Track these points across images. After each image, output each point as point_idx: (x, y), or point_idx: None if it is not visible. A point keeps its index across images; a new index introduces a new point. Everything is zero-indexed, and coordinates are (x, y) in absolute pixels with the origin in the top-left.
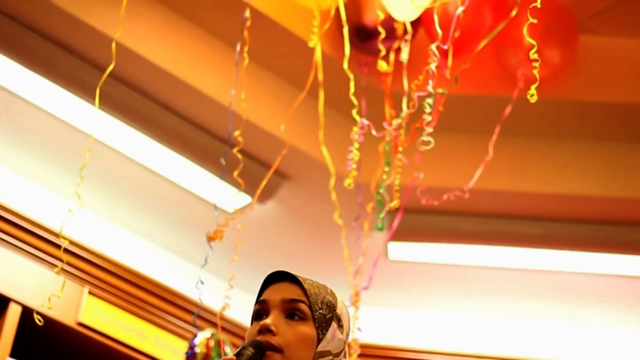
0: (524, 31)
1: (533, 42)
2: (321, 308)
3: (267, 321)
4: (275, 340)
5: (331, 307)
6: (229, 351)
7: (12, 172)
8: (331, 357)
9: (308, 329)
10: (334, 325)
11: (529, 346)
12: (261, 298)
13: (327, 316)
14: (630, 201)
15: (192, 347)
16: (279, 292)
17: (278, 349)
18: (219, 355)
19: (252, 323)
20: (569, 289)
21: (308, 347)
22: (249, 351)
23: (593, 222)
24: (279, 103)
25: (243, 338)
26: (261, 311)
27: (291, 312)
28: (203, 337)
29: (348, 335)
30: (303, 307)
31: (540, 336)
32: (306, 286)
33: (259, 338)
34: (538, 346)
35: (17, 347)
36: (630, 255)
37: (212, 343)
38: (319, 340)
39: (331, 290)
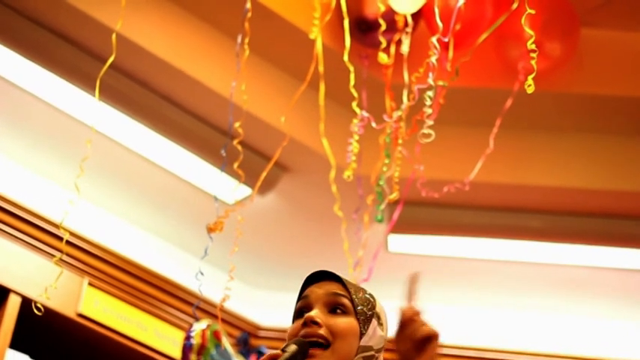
0: (523, 21)
1: (530, 32)
2: (362, 304)
3: (312, 313)
4: (321, 331)
5: (371, 304)
6: (226, 341)
7: (12, 163)
8: (373, 352)
9: (352, 322)
10: (374, 321)
11: (529, 339)
12: (303, 294)
13: (368, 313)
14: (632, 194)
15: (188, 338)
16: (321, 288)
17: (324, 344)
18: (216, 346)
19: (293, 321)
20: (569, 282)
21: (353, 339)
22: (293, 348)
23: (594, 215)
24: (279, 95)
25: (243, 330)
26: (303, 308)
27: (334, 306)
28: (199, 328)
29: (387, 334)
30: (346, 301)
31: (541, 329)
32: (346, 283)
33: (306, 330)
34: (539, 340)
35: (17, 338)
36: (632, 248)
37: (208, 334)
38: (361, 335)
39: (369, 292)
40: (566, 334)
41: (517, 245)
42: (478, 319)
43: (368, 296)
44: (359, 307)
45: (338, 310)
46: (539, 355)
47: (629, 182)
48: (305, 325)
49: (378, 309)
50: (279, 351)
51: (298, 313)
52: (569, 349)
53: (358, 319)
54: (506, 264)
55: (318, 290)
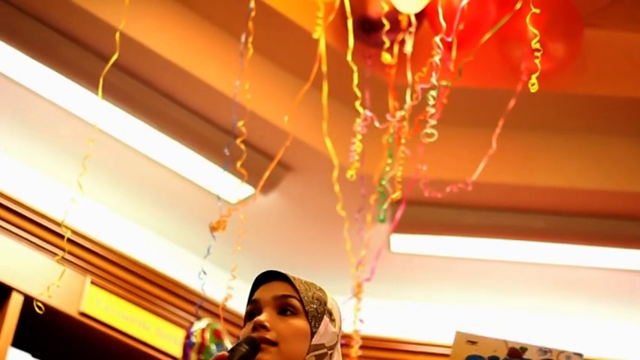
0: (527, 20)
1: (535, 31)
2: (312, 303)
3: (261, 318)
4: (270, 334)
5: (322, 301)
6: (227, 340)
7: (15, 161)
8: (325, 350)
9: (301, 323)
10: (326, 319)
11: (531, 339)
12: (253, 298)
13: (319, 310)
14: (635, 195)
15: (188, 337)
16: (270, 291)
17: (273, 343)
18: (217, 345)
19: (244, 324)
20: (572, 283)
21: (302, 340)
22: (243, 347)
23: (597, 216)
24: (283, 95)
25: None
26: (253, 311)
27: (284, 308)
28: (199, 327)
29: (340, 329)
30: (295, 302)
31: (542, 329)
32: (295, 282)
33: (254, 335)
34: (540, 340)
35: (19, 336)
36: (634, 249)
37: (208, 334)
38: (312, 334)
39: (320, 287)
40: (570, 335)
41: (520, 246)
42: (479, 319)
43: (319, 293)
44: (309, 306)
45: (288, 312)
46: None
47: (633, 183)
48: (254, 329)
49: (329, 305)
50: (225, 352)
51: (248, 317)
52: (575, 350)
53: (308, 319)
54: (509, 264)
55: (267, 293)
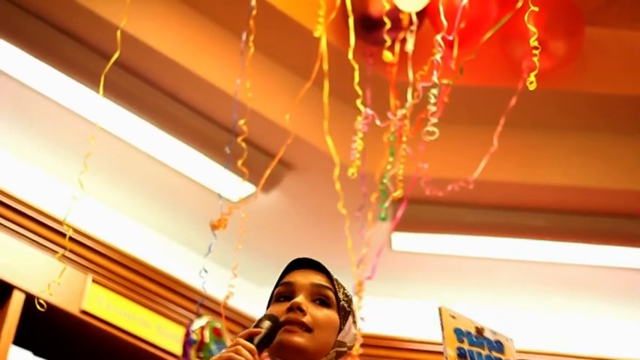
0: (526, 18)
1: (534, 29)
2: (343, 299)
3: (299, 299)
4: (305, 318)
5: (350, 301)
6: (227, 337)
7: (17, 159)
8: (346, 349)
9: (334, 315)
10: (351, 319)
11: (530, 337)
12: (286, 280)
13: (347, 309)
14: (636, 193)
15: (188, 335)
16: (307, 277)
17: (308, 328)
18: (216, 342)
19: (270, 305)
20: (572, 281)
21: (333, 332)
22: (267, 323)
23: (597, 214)
24: (284, 93)
25: (245, 327)
26: (285, 293)
27: (319, 297)
28: (198, 325)
29: (358, 333)
30: (331, 294)
31: (542, 328)
32: (331, 276)
33: (289, 316)
34: (539, 338)
35: (20, 334)
36: (635, 247)
37: (207, 331)
38: (340, 330)
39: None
40: (571, 333)
41: (521, 244)
42: (480, 317)
43: (348, 293)
44: (341, 302)
45: (323, 302)
46: (546, 354)
47: (634, 181)
48: (290, 310)
49: (354, 306)
50: (254, 329)
51: (277, 298)
52: (575, 348)
53: (339, 314)
54: (510, 262)
55: (303, 279)
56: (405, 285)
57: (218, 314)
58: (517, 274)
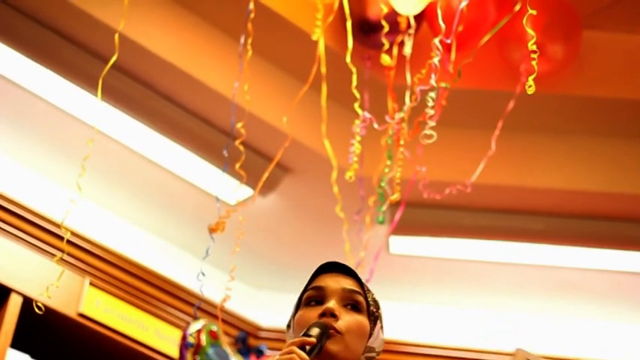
0: (524, 21)
1: (532, 32)
2: (373, 305)
3: (331, 304)
4: (337, 324)
5: (378, 306)
6: (224, 341)
7: (14, 162)
8: (374, 354)
9: (365, 320)
10: (379, 324)
11: (528, 341)
12: (317, 284)
13: (376, 314)
14: (633, 197)
15: (184, 338)
16: (338, 282)
17: (340, 333)
18: (213, 346)
19: (299, 309)
20: (570, 285)
21: (363, 337)
22: (317, 331)
23: (595, 218)
24: (281, 96)
25: (242, 330)
26: (316, 297)
27: (350, 302)
28: (195, 328)
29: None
30: (361, 299)
31: (540, 331)
32: (362, 280)
33: (323, 320)
34: (538, 342)
35: (18, 338)
36: (633, 251)
37: (204, 335)
38: (369, 335)
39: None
40: (568, 337)
41: (519, 247)
42: (478, 321)
43: (376, 298)
44: (370, 308)
45: (353, 307)
46: (545, 357)
47: (631, 185)
48: (323, 315)
49: (381, 313)
50: (307, 338)
51: (307, 302)
52: (574, 352)
53: (369, 319)
54: (508, 266)
55: (334, 284)
56: (402, 288)
57: (215, 317)
58: (515, 278)
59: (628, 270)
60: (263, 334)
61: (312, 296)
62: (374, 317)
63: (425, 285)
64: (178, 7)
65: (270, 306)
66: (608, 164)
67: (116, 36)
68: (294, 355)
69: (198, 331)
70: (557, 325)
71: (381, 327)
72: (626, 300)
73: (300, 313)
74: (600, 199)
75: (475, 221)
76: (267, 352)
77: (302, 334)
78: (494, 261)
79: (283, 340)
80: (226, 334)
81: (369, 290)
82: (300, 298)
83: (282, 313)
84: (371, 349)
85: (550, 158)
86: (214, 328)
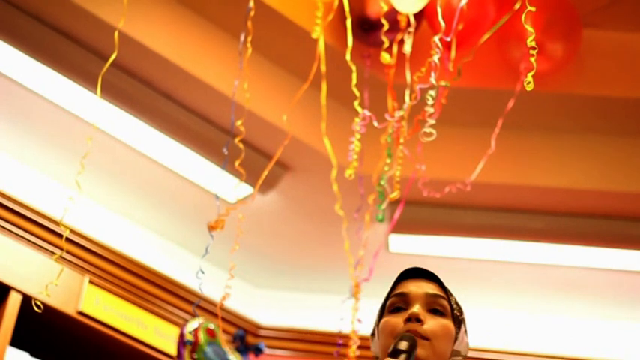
0: (523, 19)
1: (530, 29)
2: (456, 308)
3: (416, 309)
4: (423, 329)
5: (461, 309)
6: (221, 338)
7: (13, 160)
8: (460, 358)
9: (450, 324)
10: (463, 327)
11: (528, 339)
12: (400, 290)
13: (460, 318)
14: (633, 195)
15: (182, 335)
16: (421, 287)
17: (426, 338)
18: (210, 343)
19: (382, 316)
20: (570, 284)
21: (449, 341)
22: (405, 344)
23: (595, 216)
24: (281, 94)
25: (241, 328)
26: (399, 304)
27: (434, 307)
28: (192, 326)
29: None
30: (445, 303)
31: (540, 330)
32: (444, 284)
33: (408, 326)
34: (537, 340)
35: (17, 335)
36: (632, 250)
37: (201, 332)
38: (455, 339)
39: None
40: (567, 335)
41: (518, 246)
42: (477, 319)
43: (458, 301)
44: (455, 311)
45: (438, 311)
46: (544, 356)
47: (630, 183)
48: (409, 320)
49: (464, 316)
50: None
51: (391, 309)
52: (573, 350)
53: (454, 322)
54: (507, 264)
55: (417, 289)
56: None
57: (215, 315)
58: (515, 276)
59: (628, 268)
60: (263, 332)
61: (395, 302)
62: (458, 321)
63: None
64: (178, 5)
65: (269, 304)
66: (608, 163)
67: (116, 34)
68: None
69: (196, 329)
70: (558, 324)
71: (465, 330)
72: (626, 298)
73: (384, 319)
74: (600, 198)
75: (475, 220)
76: (266, 350)
77: (391, 349)
78: (493, 259)
79: (283, 338)
80: (225, 332)
81: (451, 294)
82: (383, 306)
83: (281, 311)
84: (457, 353)
85: (550, 157)
86: (212, 325)
